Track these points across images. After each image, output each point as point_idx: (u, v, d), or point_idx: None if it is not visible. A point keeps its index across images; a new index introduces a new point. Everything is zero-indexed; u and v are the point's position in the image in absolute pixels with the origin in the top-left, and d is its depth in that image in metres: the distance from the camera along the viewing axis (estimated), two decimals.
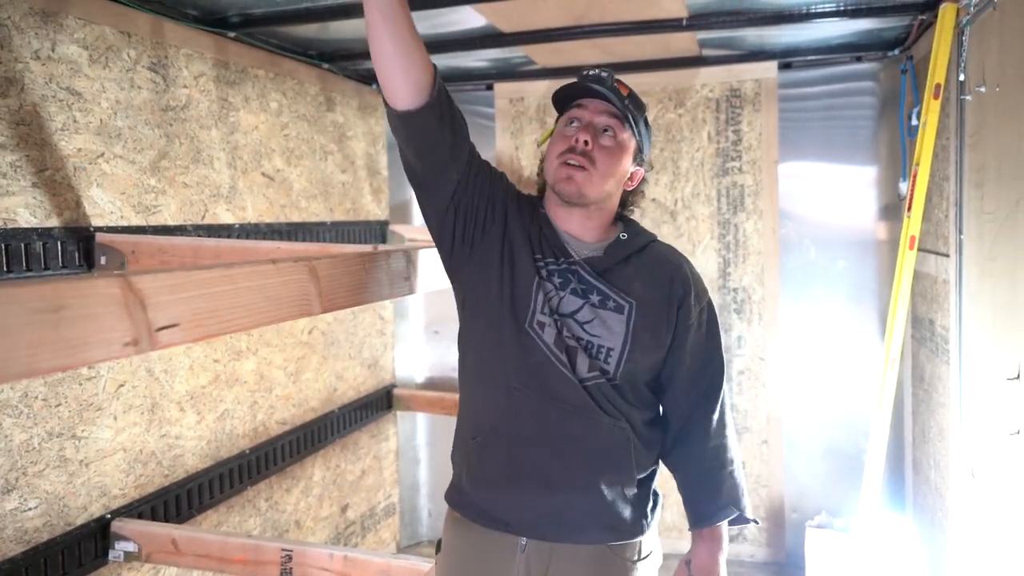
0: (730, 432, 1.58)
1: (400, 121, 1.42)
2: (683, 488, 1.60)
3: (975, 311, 2.19)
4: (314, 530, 3.08)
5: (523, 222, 1.51)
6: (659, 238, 1.63)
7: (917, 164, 2.59)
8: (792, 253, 3.39)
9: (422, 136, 1.43)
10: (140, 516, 2.16)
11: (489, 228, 1.50)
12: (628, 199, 1.59)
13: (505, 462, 1.47)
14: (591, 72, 1.48)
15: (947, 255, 2.42)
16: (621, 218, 1.61)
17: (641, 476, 1.52)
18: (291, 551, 1.98)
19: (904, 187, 2.90)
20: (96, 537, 2.03)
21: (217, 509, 2.52)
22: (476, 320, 1.53)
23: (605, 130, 1.47)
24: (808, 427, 3.44)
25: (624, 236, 1.55)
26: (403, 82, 1.38)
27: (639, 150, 1.53)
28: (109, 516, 2.07)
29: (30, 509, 1.86)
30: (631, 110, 1.48)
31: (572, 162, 1.43)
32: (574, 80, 1.50)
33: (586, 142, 1.44)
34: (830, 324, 3.37)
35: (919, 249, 2.71)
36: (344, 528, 3.31)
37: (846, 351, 3.34)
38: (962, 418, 2.29)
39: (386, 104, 1.44)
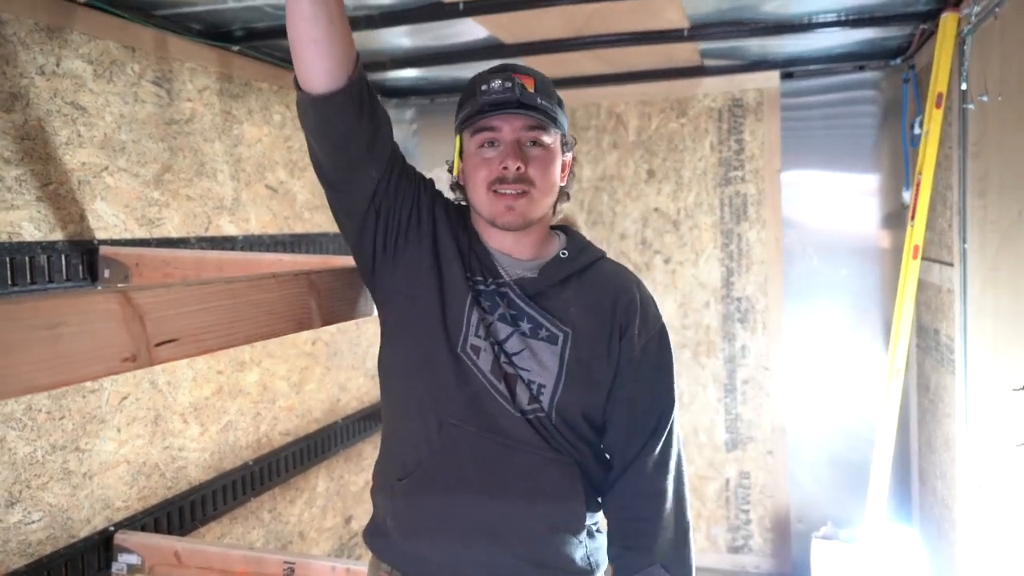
0: (673, 478, 1.34)
1: (313, 107, 1.23)
2: (611, 538, 1.37)
3: (980, 321, 2.18)
4: (317, 541, 3.08)
5: (454, 233, 1.34)
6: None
7: (920, 173, 2.59)
8: (795, 262, 3.39)
9: (338, 125, 1.24)
10: (143, 528, 2.16)
11: (414, 237, 1.32)
12: (562, 191, 1.39)
13: (440, 510, 1.29)
14: (493, 85, 1.26)
15: (951, 264, 2.42)
16: (564, 230, 1.44)
17: (592, 514, 1.35)
18: (293, 564, 1.98)
19: (907, 196, 2.90)
20: (99, 549, 2.03)
21: (220, 521, 2.52)
22: (401, 342, 1.35)
23: (531, 142, 1.29)
24: (813, 437, 3.42)
25: (564, 254, 1.36)
26: (322, 57, 1.19)
27: (563, 138, 1.36)
28: (112, 528, 2.07)
29: (34, 522, 1.86)
30: (547, 107, 1.28)
31: (508, 191, 1.26)
32: (474, 97, 1.29)
33: (518, 168, 1.26)
34: (834, 333, 3.36)
35: (923, 258, 2.70)
36: (348, 539, 3.30)
37: (850, 360, 3.33)
38: (968, 429, 2.28)
39: (298, 88, 1.25)
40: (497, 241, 1.35)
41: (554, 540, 1.29)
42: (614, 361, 1.31)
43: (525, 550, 1.28)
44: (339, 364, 3.22)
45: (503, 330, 1.28)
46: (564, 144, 1.36)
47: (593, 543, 1.36)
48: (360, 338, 3.41)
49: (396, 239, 1.32)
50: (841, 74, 3.25)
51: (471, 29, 2.59)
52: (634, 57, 3.00)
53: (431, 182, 1.41)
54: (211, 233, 2.48)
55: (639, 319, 1.33)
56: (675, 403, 1.36)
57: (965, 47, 2.25)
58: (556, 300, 1.31)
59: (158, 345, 0.92)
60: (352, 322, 3.29)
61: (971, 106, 2.21)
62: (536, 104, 1.26)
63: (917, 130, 2.72)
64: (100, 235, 2.06)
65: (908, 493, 3.19)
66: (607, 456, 1.38)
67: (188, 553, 2.04)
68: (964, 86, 2.27)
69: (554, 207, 1.38)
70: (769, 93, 3.30)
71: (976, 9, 2.12)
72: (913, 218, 2.63)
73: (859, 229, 3.31)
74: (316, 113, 1.24)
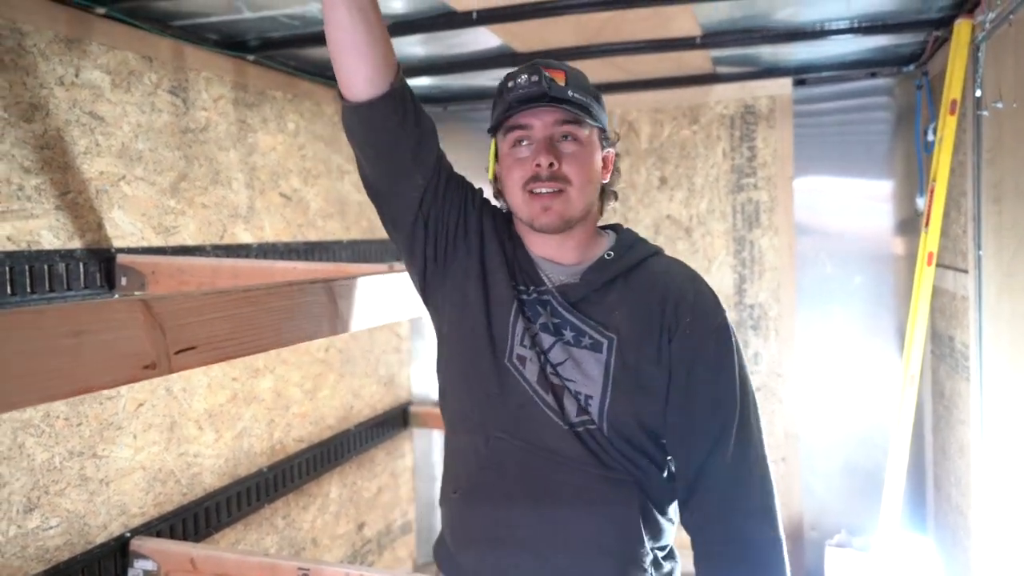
0: (750, 492, 1.21)
1: (357, 114, 1.24)
2: (694, 561, 1.25)
3: (995, 328, 2.17)
4: (331, 548, 3.09)
5: (500, 240, 1.31)
6: (667, 252, 1.37)
7: (934, 180, 2.58)
8: (808, 269, 3.38)
9: (382, 132, 1.24)
10: (159, 534, 2.18)
11: (462, 245, 1.31)
12: (607, 189, 1.35)
13: (489, 523, 1.26)
14: (520, 80, 1.21)
15: (966, 271, 2.40)
16: (616, 228, 1.39)
17: (655, 539, 1.25)
18: (308, 570, 1.99)
19: (921, 203, 2.89)
20: (116, 556, 2.05)
21: (235, 527, 2.53)
22: (451, 352, 1.33)
23: (564, 136, 1.23)
24: (826, 444, 3.41)
25: (610, 255, 1.30)
26: (362, 63, 1.20)
27: (602, 132, 1.29)
28: (128, 535, 2.09)
29: (51, 528, 1.88)
30: (581, 100, 1.23)
31: (543, 190, 1.22)
32: (504, 96, 1.25)
33: (551, 164, 1.21)
34: (847, 340, 3.34)
35: (937, 265, 2.69)
36: (361, 546, 3.31)
37: (864, 367, 3.31)
38: (984, 435, 2.26)
39: (342, 98, 1.26)
40: (540, 247, 1.31)
41: (609, 563, 1.21)
42: (665, 364, 1.22)
43: (576, 571, 1.21)
44: (352, 371, 3.24)
45: (546, 340, 1.23)
46: (604, 139, 1.29)
47: (655, 568, 1.26)
48: (373, 345, 3.42)
49: (445, 248, 1.31)
50: (854, 81, 3.25)
51: (484, 38, 2.61)
52: (646, 65, 3.01)
53: (479, 191, 1.39)
54: (226, 241, 2.50)
55: (691, 317, 1.23)
56: (743, 406, 1.23)
57: (979, 54, 2.25)
58: (600, 305, 1.25)
59: (177, 353, 0.93)
60: (365, 329, 3.30)
61: (985, 113, 2.20)
62: (567, 97, 1.21)
63: (931, 137, 2.71)
64: (117, 243, 2.08)
65: (923, 501, 3.17)
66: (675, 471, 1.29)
67: (203, 559, 2.05)
68: (978, 93, 2.26)
69: (601, 206, 1.33)
70: (781, 100, 3.30)
71: (991, 16, 2.12)
72: (927, 225, 2.62)
73: (873, 236, 3.30)
74: (360, 120, 1.24)
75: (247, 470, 2.58)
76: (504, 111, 1.24)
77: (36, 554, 1.83)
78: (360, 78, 1.21)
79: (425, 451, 3.88)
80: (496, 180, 1.34)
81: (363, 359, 3.33)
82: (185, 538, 2.28)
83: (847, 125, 3.31)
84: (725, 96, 3.37)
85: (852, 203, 3.31)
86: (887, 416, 3.15)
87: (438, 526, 3.89)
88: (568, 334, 1.23)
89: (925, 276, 2.65)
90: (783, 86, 3.28)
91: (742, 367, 1.26)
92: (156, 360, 0.90)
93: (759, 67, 3.22)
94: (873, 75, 3.21)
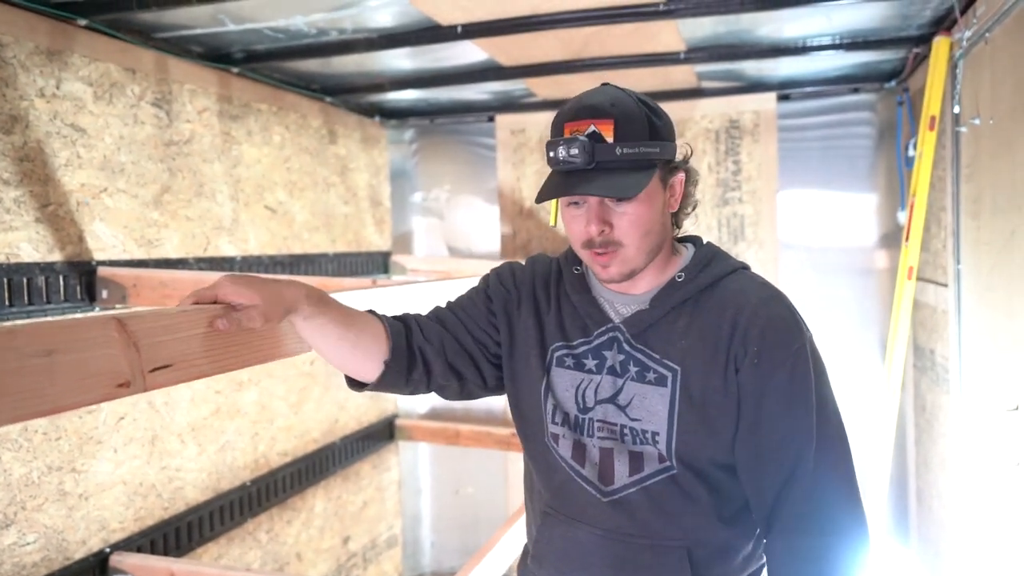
0: (825, 537, 1.13)
1: (374, 391, 1.28)
2: None
3: (974, 341, 2.18)
4: (315, 562, 3.07)
5: (536, 312, 1.29)
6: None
7: (914, 195, 2.60)
8: (793, 283, 3.39)
9: (405, 388, 1.28)
10: (139, 549, 2.16)
11: (503, 351, 1.32)
12: (680, 214, 1.27)
13: None
14: (559, 154, 1.12)
15: (945, 285, 2.42)
16: (695, 242, 1.30)
17: None
18: None
19: (902, 217, 2.91)
20: (95, 571, 2.03)
21: (217, 541, 2.51)
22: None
23: (620, 199, 1.15)
24: None
25: (680, 277, 1.21)
26: (356, 364, 1.23)
27: (667, 163, 1.20)
28: (108, 550, 2.07)
29: (29, 543, 1.86)
30: (632, 155, 1.13)
31: (599, 251, 1.16)
32: (551, 153, 1.15)
33: (602, 231, 1.14)
34: (831, 353, 3.35)
35: (918, 279, 2.71)
36: (346, 560, 3.29)
37: (847, 380, 3.33)
38: (963, 448, 2.28)
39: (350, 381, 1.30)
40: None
41: None
42: (733, 395, 1.14)
43: None
44: (338, 384, 3.22)
45: (613, 384, 1.20)
46: (669, 169, 1.21)
47: None
48: None
49: (502, 361, 1.33)
50: (837, 96, 3.28)
51: (470, 51, 2.62)
52: (632, 79, 3.02)
53: (498, 278, 1.35)
54: (210, 254, 2.49)
55: (760, 345, 1.14)
56: (821, 433, 1.15)
57: (957, 71, 2.27)
58: (667, 333, 1.19)
59: (153, 371, 0.92)
60: None
61: (963, 129, 2.23)
62: (616, 157, 1.11)
63: (912, 152, 2.74)
64: (99, 256, 2.07)
65: (905, 513, 3.18)
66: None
67: (184, 574, 2.04)
68: (957, 109, 2.29)
69: (674, 229, 1.27)
70: (766, 115, 3.32)
71: (967, 34, 2.15)
72: (908, 239, 2.64)
73: (856, 249, 3.32)
74: (386, 388, 1.27)
75: (230, 484, 2.56)
76: (550, 181, 1.17)
77: (12, 571, 1.81)
78: (359, 373, 1.24)
79: (411, 464, 3.87)
80: (557, 220, 1.31)
81: None
82: (166, 553, 2.26)
83: (830, 140, 3.33)
84: (710, 111, 3.39)
85: (836, 217, 3.34)
86: (870, 429, 3.17)
87: (424, 540, 3.88)
88: (633, 370, 1.19)
89: (906, 290, 2.67)
90: (767, 101, 3.31)
91: (822, 394, 1.17)
92: (131, 378, 0.89)
93: (744, 82, 3.24)
94: (855, 91, 3.24)
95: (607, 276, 1.18)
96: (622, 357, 1.19)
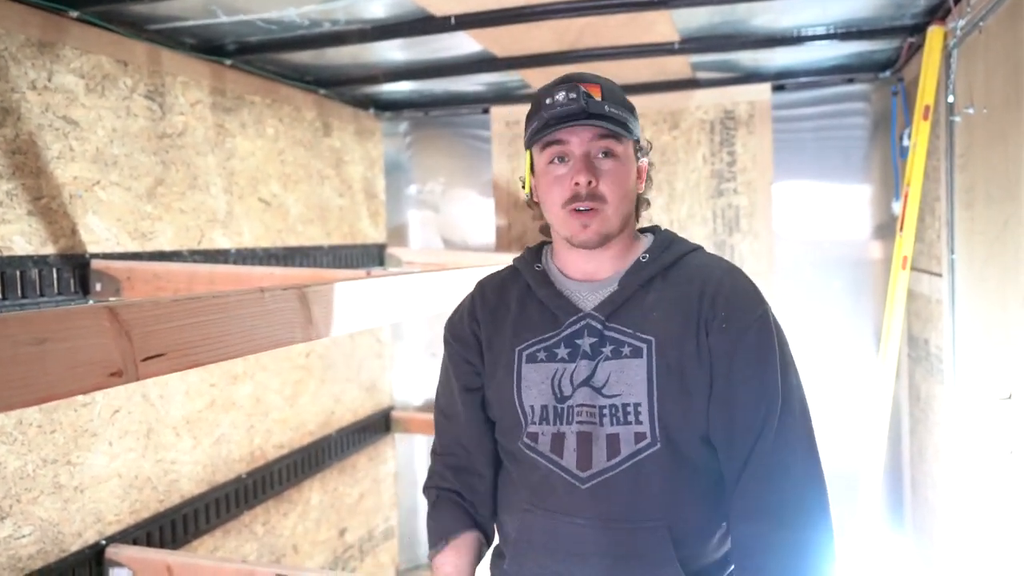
0: (794, 496, 1.21)
1: None
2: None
3: (968, 331, 2.19)
4: (312, 554, 3.07)
5: (500, 324, 1.33)
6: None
7: (908, 185, 2.60)
8: (788, 273, 3.40)
9: None
10: (135, 542, 2.16)
11: (481, 371, 1.35)
12: (641, 198, 1.34)
13: None
14: (558, 98, 1.21)
15: (939, 275, 2.43)
16: (655, 231, 1.37)
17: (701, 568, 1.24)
18: None
19: (897, 207, 2.92)
20: (90, 564, 2.03)
21: (213, 534, 2.51)
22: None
23: (602, 153, 1.23)
24: None
25: (645, 257, 1.29)
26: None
27: (637, 144, 1.29)
28: (104, 542, 2.07)
29: (24, 536, 1.86)
30: (616, 114, 1.23)
31: (581, 208, 1.21)
32: (539, 112, 1.24)
33: (589, 182, 1.20)
34: (826, 343, 3.37)
35: (912, 269, 2.72)
36: (342, 552, 3.30)
37: (842, 370, 3.34)
38: (957, 438, 2.29)
39: None
40: (577, 267, 1.30)
41: None
42: (706, 360, 1.20)
43: None
44: (334, 376, 3.22)
45: (587, 368, 1.22)
46: (638, 151, 1.30)
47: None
48: (354, 350, 3.41)
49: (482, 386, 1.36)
50: (831, 86, 3.28)
51: (463, 43, 2.61)
52: (626, 70, 3.02)
53: (456, 340, 1.38)
54: (204, 246, 2.49)
55: (728, 309, 1.21)
56: (785, 399, 1.21)
57: (951, 60, 2.27)
58: (637, 310, 1.24)
59: (145, 360, 0.92)
60: (346, 335, 3.29)
61: (957, 119, 2.23)
62: (604, 112, 1.21)
63: (906, 142, 2.74)
64: (92, 249, 2.06)
65: (901, 502, 3.19)
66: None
67: (180, 567, 2.04)
68: (951, 99, 2.29)
69: (637, 214, 1.33)
70: (761, 105, 3.32)
71: (961, 23, 2.15)
72: (902, 229, 2.64)
73: (851, 240, 3.33)
74: None
75: (225, 476, 2.56)
76: (541, 127, 1.23)
77: (8, 563, 1.81)
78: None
79: (407, 456, 3.87)
80: (532, 193, 1.33)
81: (344, 364, 3.32)
82: (162, 545, 2.26)
83: (825, 130, 3.33)
84: (705, 101, 3.39)
85: (831, 208, 3.34)
86: (865, 418, 3.18)
87: (420, 532, 3.88)
88: (607, 349, 1.22)
89: (900, 280, 2.68)
90: (762, 91, 3.31)
91: (784, 359, 1.24)
92: (123, 367, 0.89)
93: (738, 73, 3.24)
94: (850, 81, 3.24)
95: (585, 236, 1.22)
96: (594, 339, 1.23)
